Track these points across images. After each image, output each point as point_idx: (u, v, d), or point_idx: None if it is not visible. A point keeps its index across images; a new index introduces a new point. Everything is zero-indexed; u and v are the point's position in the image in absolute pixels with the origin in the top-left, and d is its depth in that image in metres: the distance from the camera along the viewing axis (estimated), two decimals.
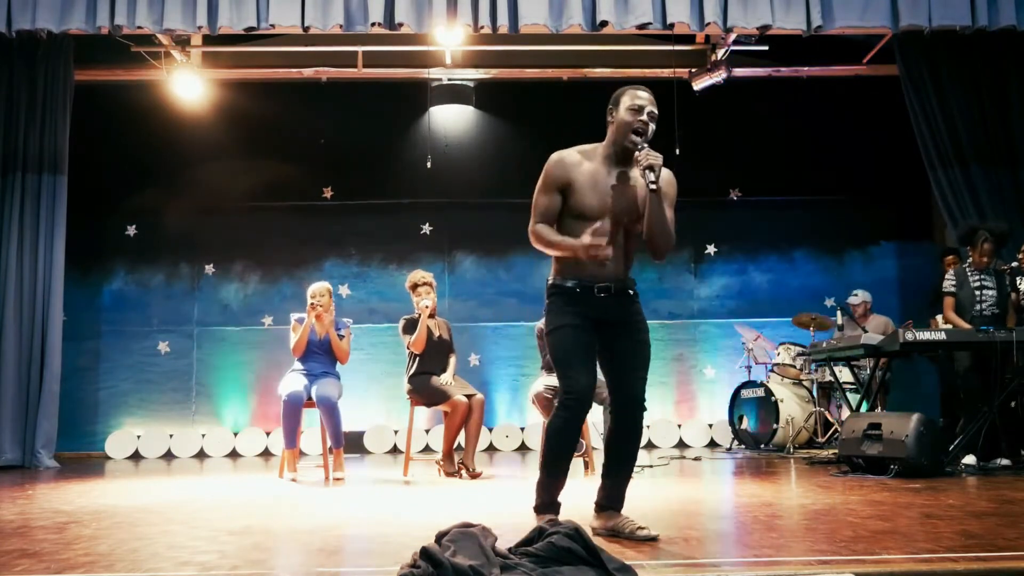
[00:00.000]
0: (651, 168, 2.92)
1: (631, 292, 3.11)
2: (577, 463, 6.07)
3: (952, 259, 7.13)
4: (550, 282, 3.11)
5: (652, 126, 3.04)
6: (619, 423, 3.11)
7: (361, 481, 5.52)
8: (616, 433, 3.12)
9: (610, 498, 3.14)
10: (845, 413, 6.82)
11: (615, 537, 3.03)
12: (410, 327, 5.75)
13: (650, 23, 5.99)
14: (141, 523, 3.61)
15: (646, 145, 2.99)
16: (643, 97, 3.04)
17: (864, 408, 6.15)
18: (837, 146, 8.76)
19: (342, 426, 5.65)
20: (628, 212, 3.04)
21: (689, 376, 8.61)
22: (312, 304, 5.68)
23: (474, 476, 5.48)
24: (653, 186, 2.92)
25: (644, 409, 3.10)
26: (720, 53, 7.69)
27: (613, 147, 3.06)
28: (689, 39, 7.95)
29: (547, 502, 3.10)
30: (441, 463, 5.72)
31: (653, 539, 2.95)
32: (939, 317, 6.65)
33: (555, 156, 3.07)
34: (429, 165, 8.07)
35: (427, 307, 5.68)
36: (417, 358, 5.73)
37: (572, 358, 3.01)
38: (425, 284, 5.80)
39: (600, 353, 3.10)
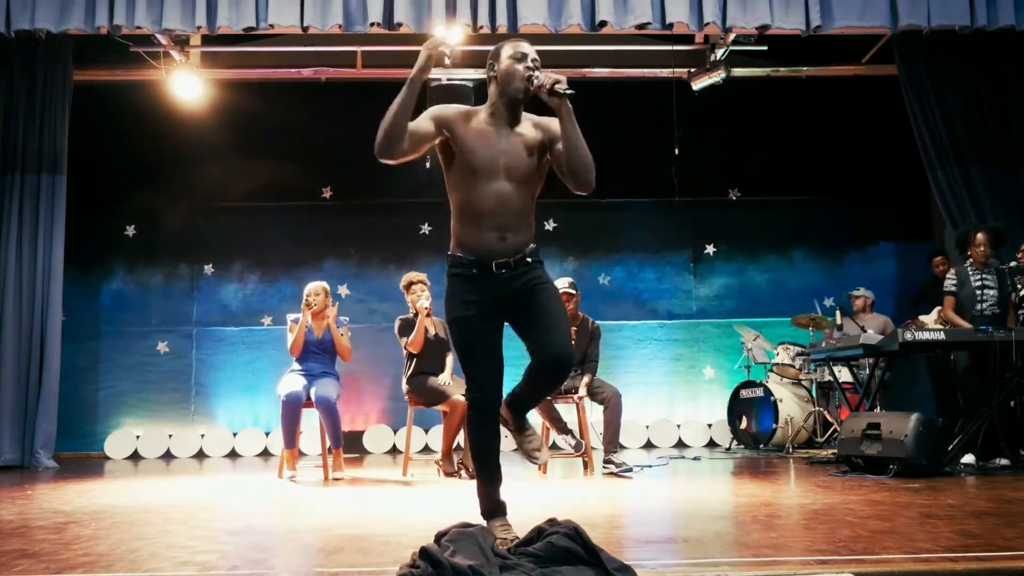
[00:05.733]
0: (557, 81, 2.74)
1: (530, 260, 2.89)
2: (576, 463, 6.09)
3: (940, 260, 7.13)
4: (449, 254, 2.92)
5: (538, 72, 2.86)
6: (539, 374, 2.88)
7: (360, 481, 5.52)
8: (532, 382, 2.91)
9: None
10: (844, 413, 6.83)
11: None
12: (406, 328, 5.75)
13: (649, 23, 6.00)
14: (140, 523, 3.61)
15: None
16: (524, 46, 2.93)
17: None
18: (836, 146, 8.76)
19: (341, 426, 5.65)
20: (519, 167, 2.87)
21: (688, 376, 8.60)
22: (308, 302, 5.68)
23: (473, 476, 5.46)
24: (566, 89, 2.73)
25: (571, 365, 2.88)
26: (719, 53, 7.67)
27: (499, 101, 2.93)
28: (688, 39, 7.94)
29: (490, 506, 3.00)
30: (440, 463, 5.72)
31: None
32: (922, 317, 6.67)
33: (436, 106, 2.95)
34: (428, 165, 8.05)
35: (425, 307, 5.68)
36: (415, 359, 5.73)
37: (475, 354, 2.90)
38: (419, 283, 5.81)
39: (514, 326, 2.94)
